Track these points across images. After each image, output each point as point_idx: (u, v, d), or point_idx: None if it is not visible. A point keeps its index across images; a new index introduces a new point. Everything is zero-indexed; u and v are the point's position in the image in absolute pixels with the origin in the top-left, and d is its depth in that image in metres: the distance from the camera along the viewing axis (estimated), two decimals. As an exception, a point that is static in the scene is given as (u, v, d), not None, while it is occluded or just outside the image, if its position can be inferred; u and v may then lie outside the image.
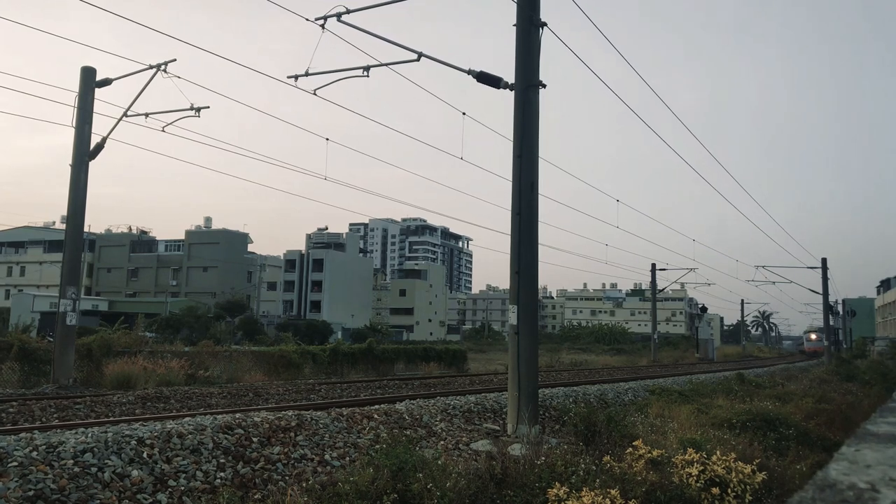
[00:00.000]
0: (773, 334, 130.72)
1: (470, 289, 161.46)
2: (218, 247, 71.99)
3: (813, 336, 68.85)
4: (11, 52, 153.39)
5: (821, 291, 40.21)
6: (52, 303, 44.35)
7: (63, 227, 19.42)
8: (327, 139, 14.95)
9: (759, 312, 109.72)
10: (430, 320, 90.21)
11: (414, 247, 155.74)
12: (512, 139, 8.26)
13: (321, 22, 9.10)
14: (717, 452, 5.65)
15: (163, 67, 8.55)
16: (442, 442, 7.18)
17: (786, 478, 6.09)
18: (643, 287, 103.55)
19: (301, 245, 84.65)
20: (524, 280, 7.95)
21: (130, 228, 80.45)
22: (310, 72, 9.81)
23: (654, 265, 39.28)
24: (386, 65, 9.71)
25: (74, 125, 13.30)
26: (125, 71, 13.09)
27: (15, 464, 4.55)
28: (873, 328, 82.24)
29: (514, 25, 8.29)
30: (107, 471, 4.78)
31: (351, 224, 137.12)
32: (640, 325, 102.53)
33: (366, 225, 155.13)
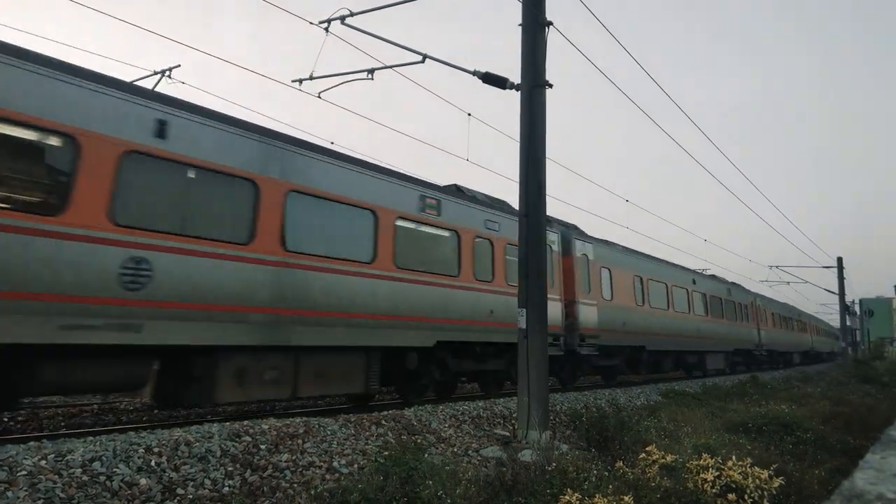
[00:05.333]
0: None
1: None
2: (229, 253, 71.86)
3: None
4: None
5: (836, 291, 39.61)
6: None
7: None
8: (332, 143, 14.88)
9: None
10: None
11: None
12: (519, 140, 8.20)
13: (325, 25, 9.11)
14: (733, 457, 5.53)
15: (167, 73, 8.60)
16: (451, 448, 7.10)
17: (804, 483, 5.95)
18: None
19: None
20: (532, 283, 7.87)
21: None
22: (314, 75, 9.82)
23: (663, 266, 38.53)
24: (390, 67, 9.68)
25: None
26: (130, 77, 13.15)
27: (24, 472, 4.54)
28: (891, 328, 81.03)
29: (520, 25, 8.24)
30: (115, 479, 4.75)
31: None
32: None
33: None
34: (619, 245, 17.22)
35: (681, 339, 19.65)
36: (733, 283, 26.99)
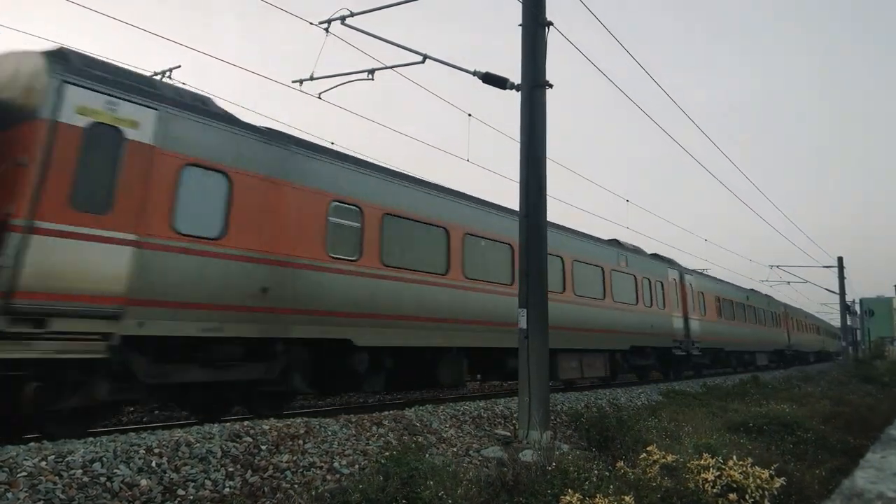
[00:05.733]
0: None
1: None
2: (229, 254, 71.57)
3: None
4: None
5: (837, 291, 39.65)
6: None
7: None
8: (332, 143, 14.93)
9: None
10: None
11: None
12: (519, 140, 8.21)
13: (325, 26, 9.13)
14: (734, 457, 5.53)
15: (168, 74, 8.61)
16: (452, 448, 7.10)
17: (804, 483, 5.95)
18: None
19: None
20: (533, 283, 7.87)
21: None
22: (314, 76, 9.83)
23: (663, 266, 38.15)
24: (391, 67, 9.70)
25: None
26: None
27: (24, 473, 4.54)
28: (891, 328, 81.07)
29: (520, 25, 8.25)
30: (115, 480, 4.75)
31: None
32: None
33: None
34: (252, 125, 8.35)
35: (479, 327, 11.19)
36: (646, 253, 19.36)
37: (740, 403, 11.84)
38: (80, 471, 4.71)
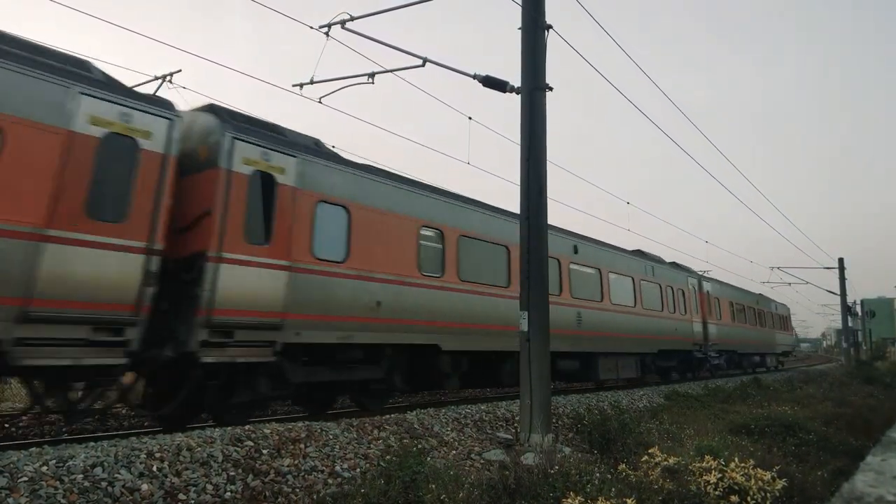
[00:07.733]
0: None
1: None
2: (229, 257, 71.31)
3: None
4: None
5: (838, 292, 39.62)
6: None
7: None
8: (333, 146, 14.96)
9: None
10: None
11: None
12: (519, 143, 8.22)
13: (325, 30, 9.15)
14: (735, 459, 5.52)
15: (168, 78, 8.64)
16: (454, 452, 7.10)
17: (806, 484, 5.94)
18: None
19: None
20: (534, 285, 7.87)
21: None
22: (315, 80, 9.85)
23: (663, 267, 38.07)
24: (391, 71, 9.72)
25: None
26: (131, 83, 13.11)
27: (25, 479, 4.53)
28: (893, 329, 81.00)
29: (520, 28, 8.28)
30: (117, 485, 4.75)
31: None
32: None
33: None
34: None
35: None
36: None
37: (742, 405, 11.82)
38: (82, 475, 4.71)
